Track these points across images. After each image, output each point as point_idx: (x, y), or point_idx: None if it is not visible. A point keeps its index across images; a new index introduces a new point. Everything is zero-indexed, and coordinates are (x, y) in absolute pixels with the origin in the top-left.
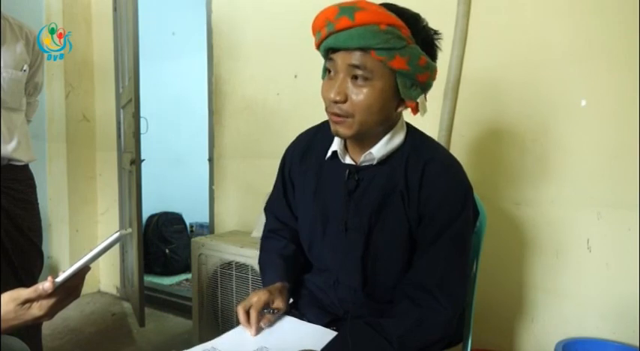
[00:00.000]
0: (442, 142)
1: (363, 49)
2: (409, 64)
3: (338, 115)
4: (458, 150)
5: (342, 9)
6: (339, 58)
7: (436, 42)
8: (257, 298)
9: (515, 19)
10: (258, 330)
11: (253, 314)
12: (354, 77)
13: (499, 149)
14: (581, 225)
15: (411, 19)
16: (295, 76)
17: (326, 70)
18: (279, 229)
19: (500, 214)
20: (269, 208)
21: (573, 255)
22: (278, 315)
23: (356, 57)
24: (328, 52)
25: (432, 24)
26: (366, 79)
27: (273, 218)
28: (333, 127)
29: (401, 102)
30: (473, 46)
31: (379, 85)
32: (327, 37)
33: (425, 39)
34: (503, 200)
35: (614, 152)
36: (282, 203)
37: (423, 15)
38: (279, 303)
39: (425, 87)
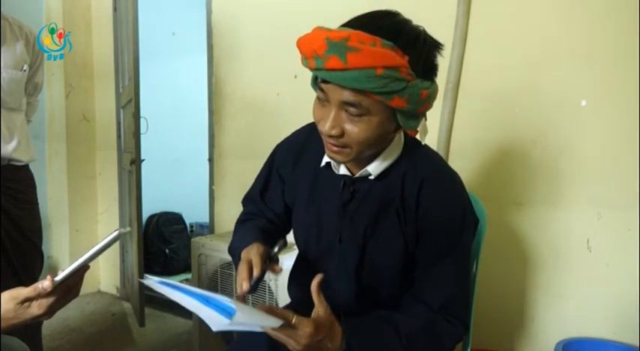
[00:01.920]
0: (442, 143)
1: (358, 90)
2: (409, 102)
3: (334, 145)
4: (458, 150)
5: (332, 46)
6: (331, 92)
7: (438, 57)
8: (256, 248)
9: (516, 19)
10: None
11: (257, 258)
12: (349, 110)
13: (499, 149)
14: (581, 225)
15: (411, 42)
16: (295, 76)
17: (316, 83)
18: (256, 214)
19: (501, 214)
20: (247, 199)
21: (573, 255)
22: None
23: (350, 95)
24: (318, 78)
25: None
26: (361, 114)
27: (251, 206)
28: (329, 154)
29: (399, 126)
30: (473, 46)
31: (376, 119)
32: (315, 69)
33: (426, 63)
34: (503, 201)
35: (614, 152)
36: (258, 199)
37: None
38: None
39: (425, 112)
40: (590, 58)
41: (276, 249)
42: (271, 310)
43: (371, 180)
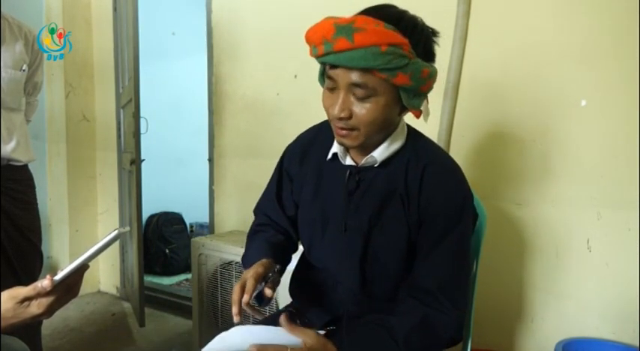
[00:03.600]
0: (442, 142)
1: (365, 69)
2: (412, 79)
3: (343, 128)
4: (458, 150)
5: (339, 29)
6: (340, 75)
7: (435, 43)
8: (253, 271)
9: (515, 19)
10: (259, 305)
11: (251, 282)
12: (357, 92)
13: (499, 149)
14: (581, 225)
15: (410, 27)
16: (295, 76)
17: (324, 77)
18: (267, 224)
19: (501, 214)
20: (259, 208)
21: (573, 255)
22: (277, 285)
23: (357, 75)
24: (326, 65)
25: (432, 24)
26: (369, 95)
27: (262, 215)
28: (338, 139)
29: (404, 108)
30: (473, 46)
31: (382, 100)
32: (324, 54)
33: (425, 46)
34: (503, 200)
35: (614, 152)
36: (274, 204)
37: (423, 15)
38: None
39: (427, 93)
40: (591, 58)
41: (270, 274)
42: (263, 349)
43: (376, 169)
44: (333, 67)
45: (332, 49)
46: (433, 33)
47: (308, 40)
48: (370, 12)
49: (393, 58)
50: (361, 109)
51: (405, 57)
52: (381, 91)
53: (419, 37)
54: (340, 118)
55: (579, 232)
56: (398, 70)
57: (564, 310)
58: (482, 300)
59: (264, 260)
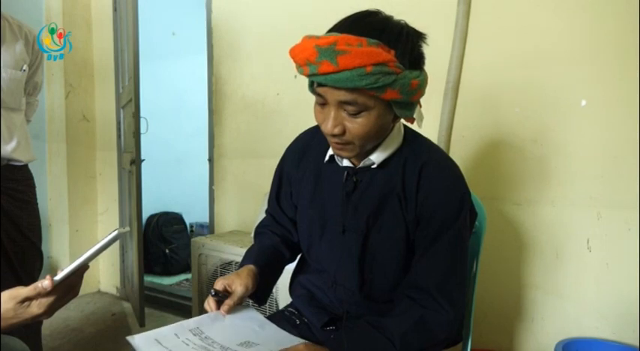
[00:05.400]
0: (442, 142)
1: (352, 89)
2: (401, 93)
3: (338, 143)
4: (458, 150)
5: (322, 52)
6: (328, 93)
7: (424, 43)
8: (214, 284)
9: (515, 19)
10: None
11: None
12: (347, 108)
13: (499, 149)
14: (581, 225)
15: (394, 37)
16: (295, 76)
17: (313, 88)
18: (268, 225)
19: (501, 214)
20: (267, 208)
21: (573, 255)
22: (237, 300)
23: (345, 94)
24: (314, 83)
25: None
26: (360, 110)
27: (268, 215)
28: (335, 151)
29: (397, 117)
30: (473, 46)
31: (374, 113)
32: (310, 75)
33: (412, 54)
34: (503, 200)
35: (614, 152)
36: (276, 206)
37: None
38: (236, 286)
39: (419, 100)
40: (591, 58)
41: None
42: None
43: (373, 169)
44: (321, 85)
45: (317, 71)
46: (420, 36)
47: (292, 58)
48: (352, 26)
49: (380, 76)
50: (354, 125)
51: (392, 73)
52: (371, 106)
53: (404, 46)
54: (334, 135)
55: (579, 232)
56: (386, 87)
57: (564, 310)
58: (482, 300)
59: (238, 271)
